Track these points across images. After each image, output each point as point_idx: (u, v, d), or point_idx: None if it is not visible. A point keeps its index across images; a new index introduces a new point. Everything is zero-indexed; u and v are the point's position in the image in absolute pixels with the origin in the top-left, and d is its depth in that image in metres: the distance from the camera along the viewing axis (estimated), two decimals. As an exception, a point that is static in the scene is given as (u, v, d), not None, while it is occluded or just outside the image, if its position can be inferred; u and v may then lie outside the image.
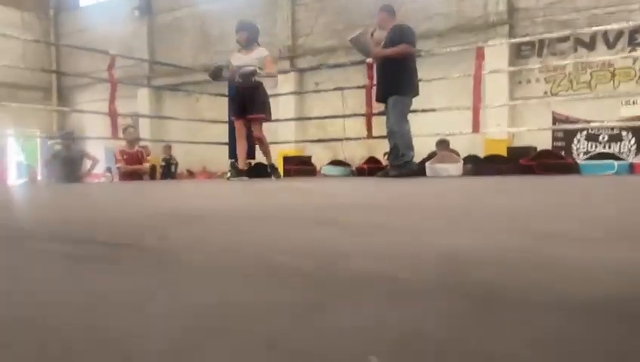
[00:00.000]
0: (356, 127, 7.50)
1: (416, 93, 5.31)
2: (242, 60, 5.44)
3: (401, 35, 5.22)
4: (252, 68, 5.31)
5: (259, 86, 5.39)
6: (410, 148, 5.23)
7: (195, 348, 0.46)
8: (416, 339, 0.49)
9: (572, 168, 6.47)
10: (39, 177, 10.36)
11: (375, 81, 5.71)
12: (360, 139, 7.16)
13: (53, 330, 0.51)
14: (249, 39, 5.52)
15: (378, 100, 5.59)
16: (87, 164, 8.43)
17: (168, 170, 10.67)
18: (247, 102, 5.39)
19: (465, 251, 1.07)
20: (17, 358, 0.44)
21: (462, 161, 6.61)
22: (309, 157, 8.70)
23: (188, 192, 3.76)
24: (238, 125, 5.55)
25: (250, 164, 6.36)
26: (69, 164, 7.99)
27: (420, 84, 5.47)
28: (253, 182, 5.15)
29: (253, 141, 5.80)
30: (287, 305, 0.62)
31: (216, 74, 5.64)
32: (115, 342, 0.48)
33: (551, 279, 0.82)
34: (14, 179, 12.76)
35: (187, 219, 1.72)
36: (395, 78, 5.21)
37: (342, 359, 0.44)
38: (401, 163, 5.20)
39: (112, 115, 6.00)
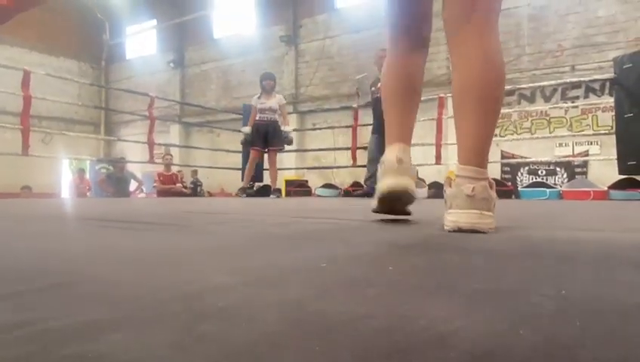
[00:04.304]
0: (344, 158, 7.65)
1: None
2: (267, 104, 5.54)
3: None
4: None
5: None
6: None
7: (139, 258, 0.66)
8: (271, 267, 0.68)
9: (513, 193, 6.65)
10: (88, 193, 10.45)
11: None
12: (346, 167, 7.30)
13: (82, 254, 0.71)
14: (273, 86, 5.69)
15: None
16: (134, 184, 8.61)
17: (195, 190, 10.83)
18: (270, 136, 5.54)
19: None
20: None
21: (427, 187, 6.79)
22: (306, 181, 8.83)
23: (197, 203, 3.89)
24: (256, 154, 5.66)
25: (253, 185, 6.55)
26: (120, 183, 8.15)
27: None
28: (254, 199, 5.25)
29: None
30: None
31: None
32: (108, 251, 0.67)
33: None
34: (68, 194, 12.84)
35: (179, 214, 1.90)
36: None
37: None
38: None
39: (150, 144, 6.16)
